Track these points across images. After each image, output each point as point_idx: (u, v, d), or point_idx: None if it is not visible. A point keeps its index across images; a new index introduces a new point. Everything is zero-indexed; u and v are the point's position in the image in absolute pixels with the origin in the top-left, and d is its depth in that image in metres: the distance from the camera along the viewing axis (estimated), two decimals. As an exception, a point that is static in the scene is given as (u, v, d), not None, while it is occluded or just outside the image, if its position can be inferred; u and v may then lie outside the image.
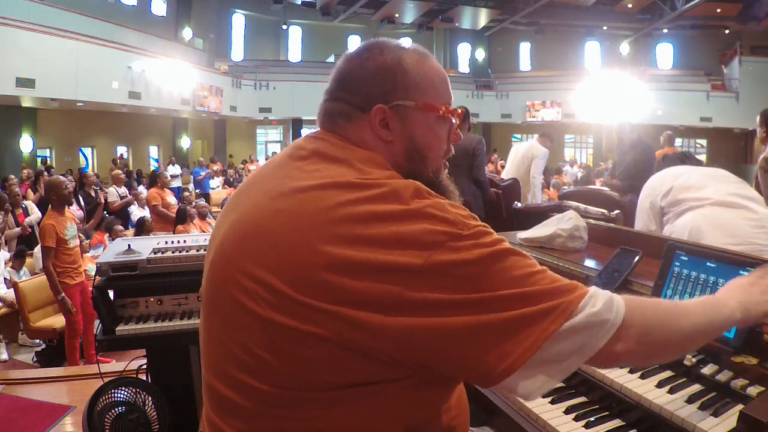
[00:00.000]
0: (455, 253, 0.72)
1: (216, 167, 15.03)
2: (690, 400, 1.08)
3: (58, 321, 4.69)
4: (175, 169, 14.27)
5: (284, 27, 24.02)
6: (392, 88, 0.86)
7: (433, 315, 0.70)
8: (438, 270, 0.71)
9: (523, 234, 2.00)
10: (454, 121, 0.92)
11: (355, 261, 0.71)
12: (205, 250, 2.33)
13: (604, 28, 23.18)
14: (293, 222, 0.76)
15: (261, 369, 0.77)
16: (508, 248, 0.75)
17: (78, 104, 13.42)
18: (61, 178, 4.72)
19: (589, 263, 1.70)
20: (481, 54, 24.31)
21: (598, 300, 0.74)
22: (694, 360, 1.16)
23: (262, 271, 0.76)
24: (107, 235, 6.06)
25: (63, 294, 4.13)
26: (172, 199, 7.26)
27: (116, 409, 2.27)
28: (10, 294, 5.05)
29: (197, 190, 12.71)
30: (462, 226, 0.74)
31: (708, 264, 1.27)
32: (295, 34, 24.77)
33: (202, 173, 13.39)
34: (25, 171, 10.46)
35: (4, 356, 4.76)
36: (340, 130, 0.88)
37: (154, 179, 7.64)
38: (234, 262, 0.80)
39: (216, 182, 14.10)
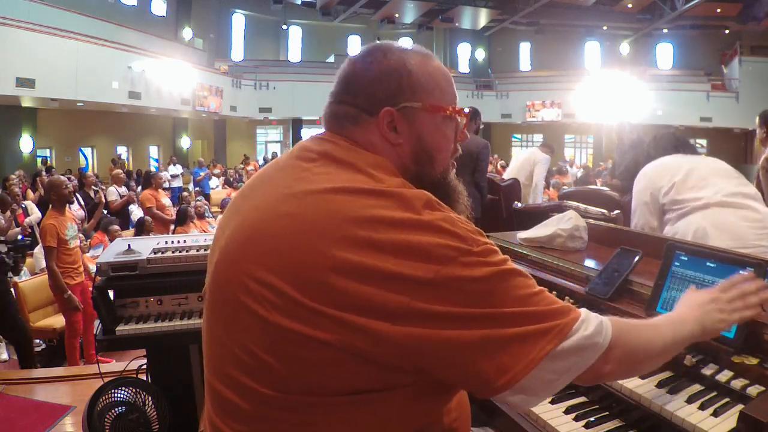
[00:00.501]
0: (465, 269, 0.73)
1: (216, 170, 15.05)
2: (690, 400, 1.08)
3: (58, 321, 4.69)
4: (176, 169, 14.27)
5: (284, 27, 24.01)
6: (398, 91, 0.86)
7: (440, 327, 0.71)
8: (448, 284, 0.72)
9: (523, 234, 2.00)
10: (460, 120, 0.92)
11: (363, 266, 0.72)
12: (205, 250, 2.34)
13: (604, 28, 23.18)
14: (301, 225, 0.76)
15: (263, 372, 0.77)
16: (513, 268, 0.77)
17: (78, 104, 13.42)
18: (62, 177, 4.72)
19: (589, 263, 1.70)
20: (481, 54, 24.30)
21: (590, 324, 0.77)
22: (694, 360, 1.16)
23: (268, 274, 0.76)
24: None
25: (69, 292, 4.13)
26: (166, 200, 7.21)
27: (116, 409, 2.27)
28: (10, 294, 5.05)
29: (196, 188, 12.71)
30: (472, 242, 0.75)
31: (708, 264, 1.27)
32: (295, 34, 24.77)
33: (202, 173, 13.39)
34: (17, 173, 10.07)
35: (4, 356, 4.75)
36: (348, 132, 0.88)
37: (148, 180, 7.46)
38: (239, 264, 0.80)
39: (216, 182, 14.11)
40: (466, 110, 0.92)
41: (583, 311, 0.79)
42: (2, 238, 3.85)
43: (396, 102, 0.86)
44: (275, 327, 0.74)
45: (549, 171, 8.65)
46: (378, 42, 0.93)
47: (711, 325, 0.96)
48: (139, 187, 10.30)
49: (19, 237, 3.88)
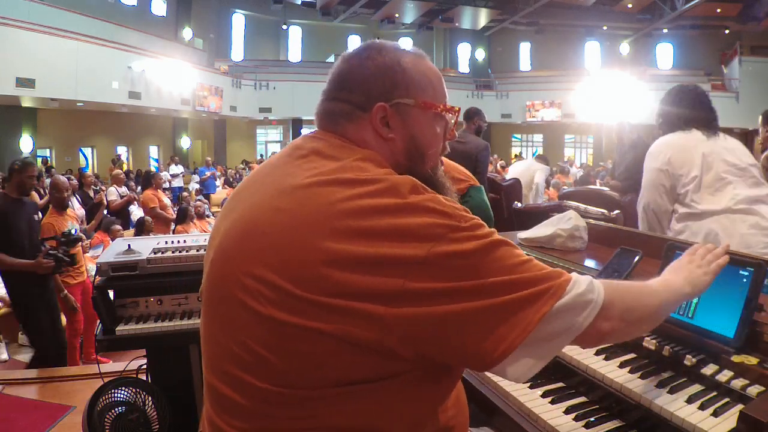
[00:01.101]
0: (455, 244, 0.74)
1: (218, 173, 15.06)
2: (690, 400, 1.08)
3: (58, 321, 4.68)
4: (177, 169, 14.27)
5: (284, 27, 24.03)
6: (392, 87, 0.88)
7: (435, 304, 0.72)
8: (439, 261, 0.73)
9: (523, 234, 2.00)
10: (449, 118, 0.94)
11: (356, 255, 0.73)
12: (205, 250, 2.34)
13: (604, 28, 23.20)
14: (293, 220, 0.77)
15: (261, 367, 0.77)
16: (500, 239, 0.79)
17: (78, 104, 13.44)
18: (62, 178, 4.71)
19: (589, 263, 1.70)
20: (481, 54, 24.32)
21: (581, 284, 0.79)
22: (694, 360, 1.16)
23: (263, 270, 0.76)
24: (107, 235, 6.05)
25: (65, 292, 4.13)
26: (166, 200, 7.21)
27: (116, 409, 2.27)
28: (10, 294, 5.03)
29: (198, 187, 12.70)
30: (459, 218, 0.77)
31: (708, 264, 1.26)
32: (295, 34, 24.78)
33: (208, 173, 13.38)
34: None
35: (4, 356, 4.75)
36: (341, 129, 0.89)
37: (148, 180, 7.43)
38: (235, 261, 0.81)
39: (216, 182, 14.12)
40: (457, 108, 0.95)
41: (574, 274, 0.81)
42: (62, 238, 3.79)
43: (389, 98, 0.88)
44: (272, 322, 0.75)
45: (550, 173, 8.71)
46: (371, 40, 0.94)
47: (697, 280, 1.01)
48: (139, 187, 10.31)
49: (74, 231, 3.88)
